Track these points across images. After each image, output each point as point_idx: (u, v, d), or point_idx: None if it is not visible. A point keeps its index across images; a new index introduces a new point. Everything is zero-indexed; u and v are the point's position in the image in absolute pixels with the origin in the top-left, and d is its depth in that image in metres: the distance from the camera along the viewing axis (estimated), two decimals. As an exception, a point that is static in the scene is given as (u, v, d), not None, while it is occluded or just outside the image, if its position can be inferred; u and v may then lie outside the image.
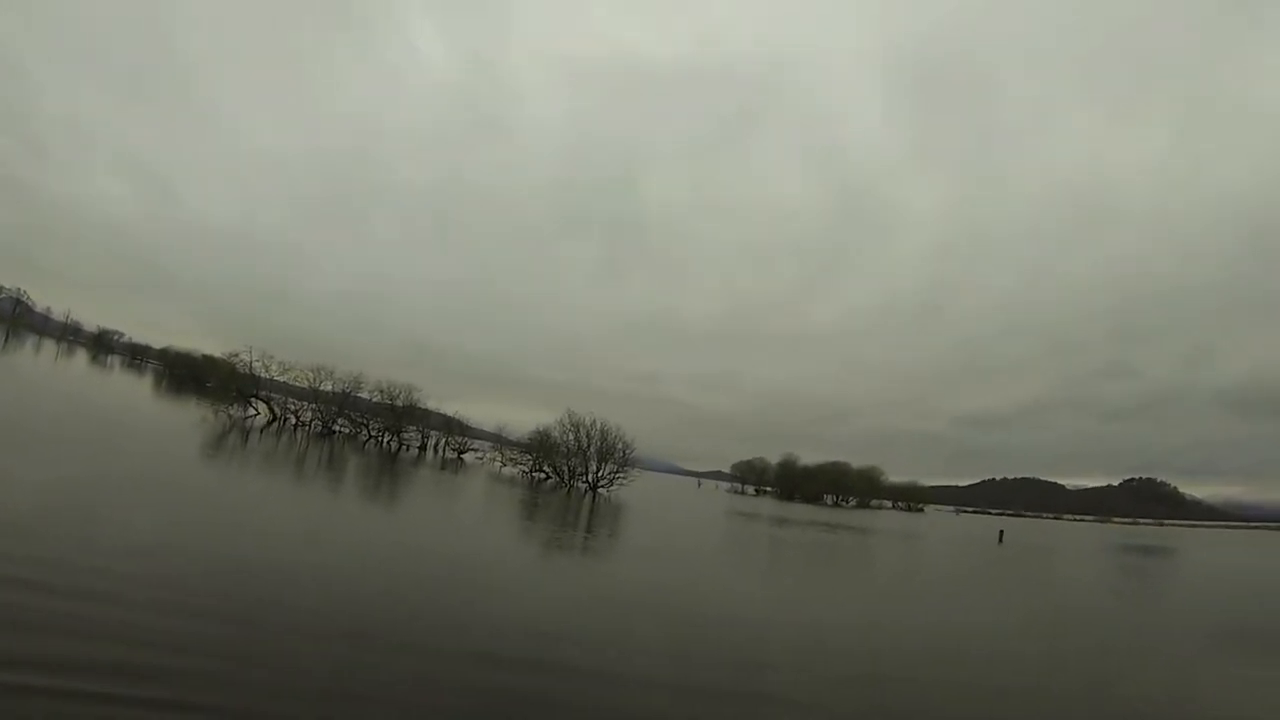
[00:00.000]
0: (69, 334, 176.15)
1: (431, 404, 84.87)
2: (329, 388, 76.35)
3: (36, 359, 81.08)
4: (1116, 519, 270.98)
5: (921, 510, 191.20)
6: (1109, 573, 46.75)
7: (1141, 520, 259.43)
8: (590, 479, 76.23)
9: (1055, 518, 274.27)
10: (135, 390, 73.87)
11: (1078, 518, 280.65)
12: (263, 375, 73.16)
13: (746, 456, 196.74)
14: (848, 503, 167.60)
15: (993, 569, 42.92)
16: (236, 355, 73.14)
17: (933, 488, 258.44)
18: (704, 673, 12.16)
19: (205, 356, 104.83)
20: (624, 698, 10.28)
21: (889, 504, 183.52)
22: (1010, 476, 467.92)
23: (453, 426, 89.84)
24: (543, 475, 79.28)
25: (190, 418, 50.95)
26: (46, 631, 8.61)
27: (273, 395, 76.16)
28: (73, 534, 13.43)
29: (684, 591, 20.88)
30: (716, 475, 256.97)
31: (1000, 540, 74.53)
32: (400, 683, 9.19)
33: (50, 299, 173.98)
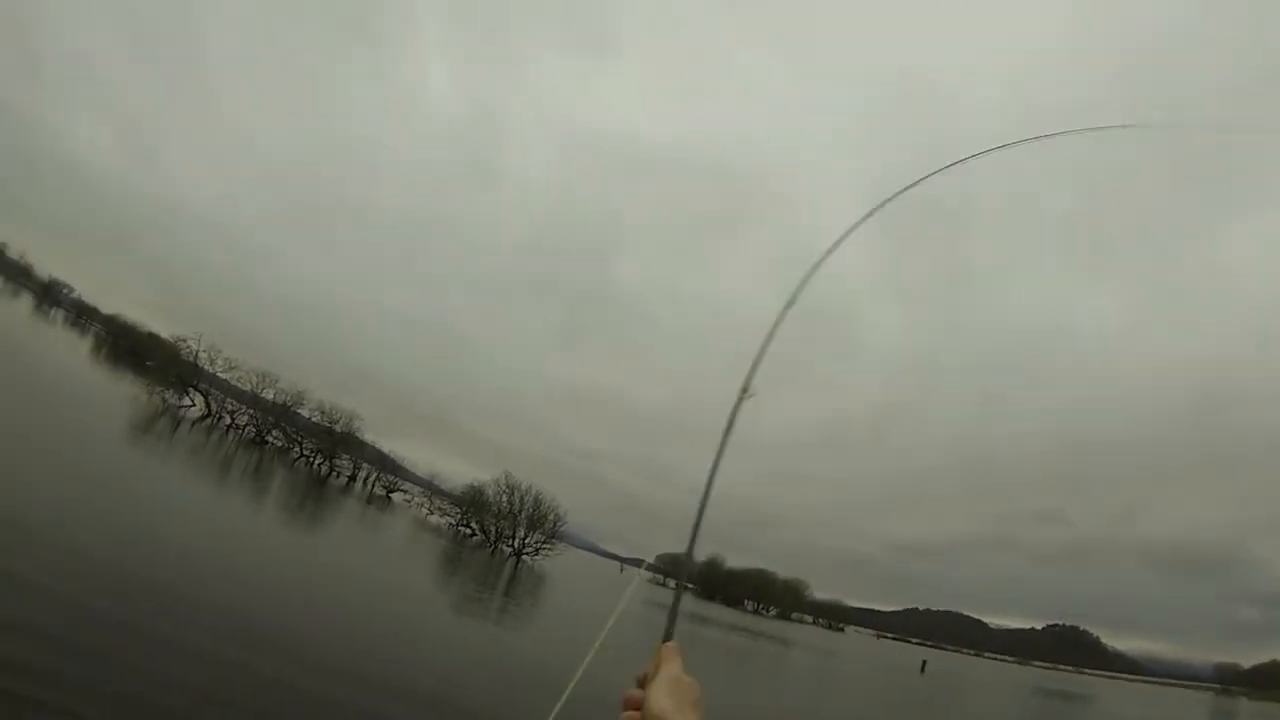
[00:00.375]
0: (18, 274, 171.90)
1: (369, 436, 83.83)
2: (270, 396, 75.20)
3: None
4: (1037, 662, 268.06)
5: (842, 630, 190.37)
6: (1026, 715, 46.61)
7: (1062, 666, 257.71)
8: (516, 544, 75.44)
9: (976, 654, 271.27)
10: (72, 352, 72.52)
11: (998, 657, 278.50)
12: (206, 367, 72.12)
13: (670, 549, 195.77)
14: (768, 612, 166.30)
15: (916, 698, 42.71)
16: (184, 340, 72.21)
17: (857, 609, 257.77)
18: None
19: (151, 334, 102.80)
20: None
21: (809, 619, 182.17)
22: (935, 608, 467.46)
23: (387, 464, 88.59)
24: (469, 532, 78.17)
25: (123, 393, 49.96)
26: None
27: (212, 390, 74.82)
28: None
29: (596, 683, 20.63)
30: (637, 562, 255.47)
31: (923, 670, 74.61)
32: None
33: (5, 234, 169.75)
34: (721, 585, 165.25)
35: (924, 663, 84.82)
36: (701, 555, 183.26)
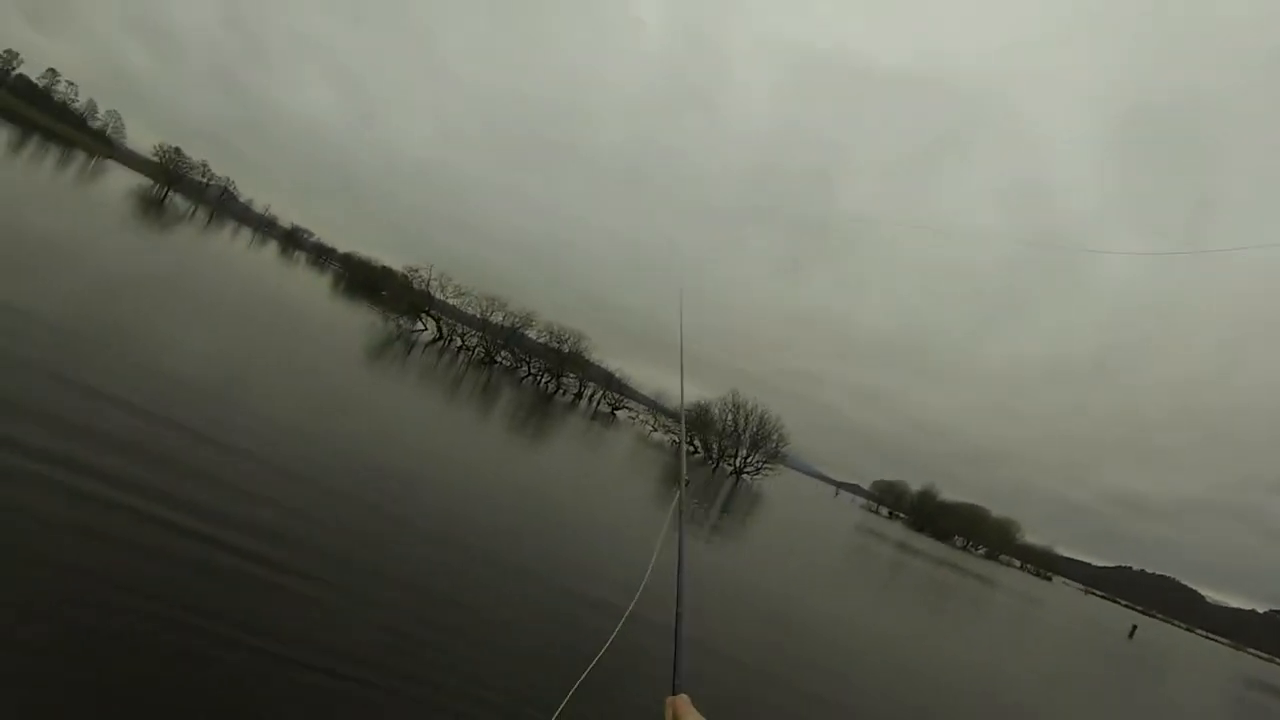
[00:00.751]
0: (265, 226, 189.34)
1: (595, 356, 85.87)
2: (498, 319, 78.34)
3: (233, 243, 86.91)
4: (1252, 650, 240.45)
5: (1049, 579, 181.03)
6: (1241, 711, 41.11)
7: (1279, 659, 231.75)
8: (738, 463, 75.83)
9: (1187, 628, 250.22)
10: (315, 287, 78.29)
11: (1211, 636, 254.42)
12: (437, 295, 75.90)
13: (886, 476, 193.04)
14: (977, 550, 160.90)
15: (1120, 666, 39.76)
16: (415, 270, 76.31)
17: (1066, 559, 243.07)
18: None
19: (384, 267, 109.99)
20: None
21: (1017, 563, 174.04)
22: (1149, 570, 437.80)
23: (612, 382, 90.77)
24: (691, 449, 79.24)
25: (361, 321, 53.34)
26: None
27: (442, 316, 78.78)
28: (232, 411, 14.18)
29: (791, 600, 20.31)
30: (854, 488, 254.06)
31: (1131, 636, 70.74)
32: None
33: (253, 191, 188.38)
34: (933, 516, 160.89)
35: (1133, 628, 79.47)
36: (915, 485, 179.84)
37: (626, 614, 3.01)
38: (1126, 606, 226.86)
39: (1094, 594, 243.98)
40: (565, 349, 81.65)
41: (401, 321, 69.17)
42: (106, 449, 8.94)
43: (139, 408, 11.09)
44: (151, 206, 77.03)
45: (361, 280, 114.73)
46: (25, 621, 5.29)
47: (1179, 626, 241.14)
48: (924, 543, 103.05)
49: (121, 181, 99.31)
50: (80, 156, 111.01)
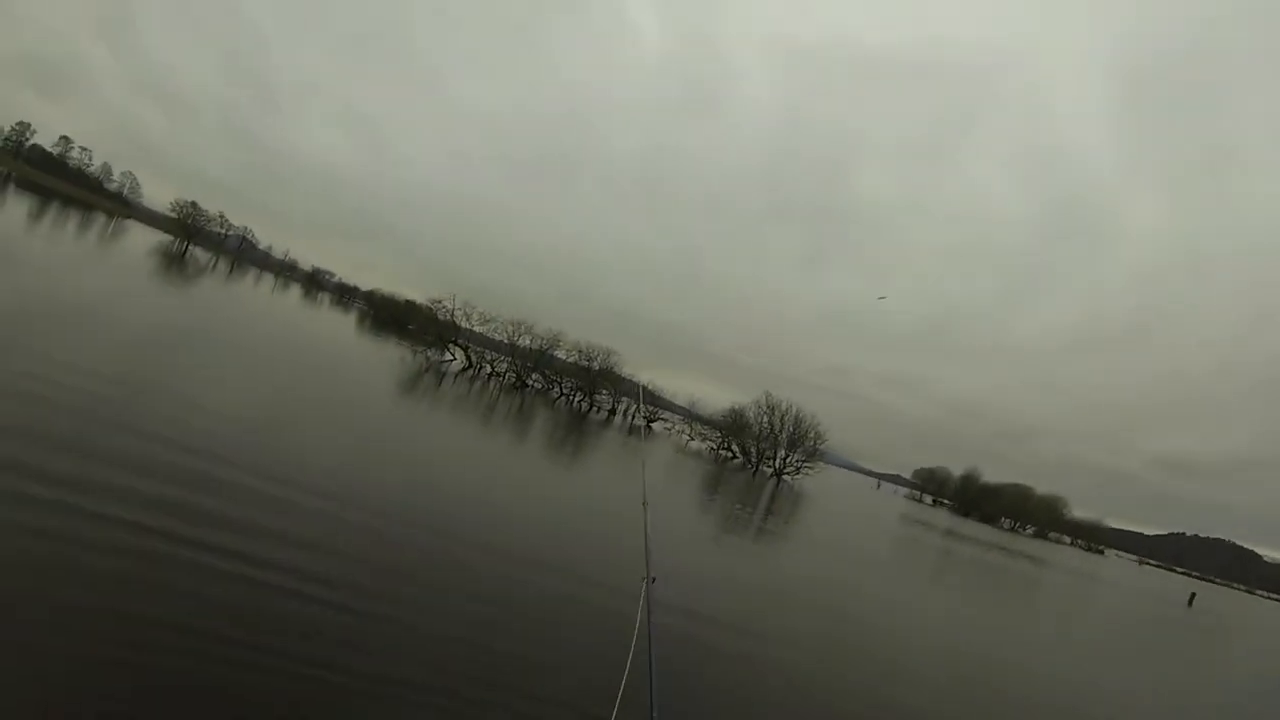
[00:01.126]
0: (286, 270, 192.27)
1: (626, 370, 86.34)
2: (526, 343, 79.20)
3: (257, 290, 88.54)
4: None
5: (1101, 553, 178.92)
6: None
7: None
8: (777, 464, 75.99)
9: (1248, 590, 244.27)
10: (341, 326, 79.43)
11: (1273, 595, 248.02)
12: (462, 324, 76.82)
13: (926, 463, 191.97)
14: (1025, 530, 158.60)
15: (1182, 634, 39.48)
16: (439, 302, 77.21)
17: (1116, 531, 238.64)
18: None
19: (408, 301, 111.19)
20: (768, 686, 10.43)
21: (1067, 540, 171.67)
22: (1203, 534, 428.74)
23: (645, 395, 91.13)
24: (729, 454, 79.68)
25: (390, 356, 54.18)
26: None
27: (470, 344, 79.63)
28: (278, 445, 14.96)
29: (847, 595, 20.76)
30: (895, 479, 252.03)
31: (1190, 603, 69.74)
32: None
33: (271, 237, 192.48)
34: (977, 500, 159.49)
35: (1192, 595, 78.37)
36: (957, 469, 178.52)
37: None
38: (1183, 574, 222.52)
39: (1149, 564, 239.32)
40: (595, 366, 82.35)
41: (430, 353, 70.15)
42: (168, 485, 9.54)
43: (193, 448, 11.78)
44: (174, 261, 78.77)
45: (387, 316, 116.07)
46: (97, 667, 5.74)
47: (1238, 589, 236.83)
48: (971, 527, 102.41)
49: (143, 239, 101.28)
50: (100, 218, 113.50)
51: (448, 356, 74.94)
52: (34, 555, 6.85)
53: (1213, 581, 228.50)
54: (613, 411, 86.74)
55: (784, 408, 78.09)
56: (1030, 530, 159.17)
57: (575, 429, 46.86)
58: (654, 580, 4.03)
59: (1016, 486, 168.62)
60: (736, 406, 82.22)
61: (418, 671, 6.95)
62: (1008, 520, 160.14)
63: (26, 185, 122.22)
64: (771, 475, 73.40)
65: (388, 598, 8.54)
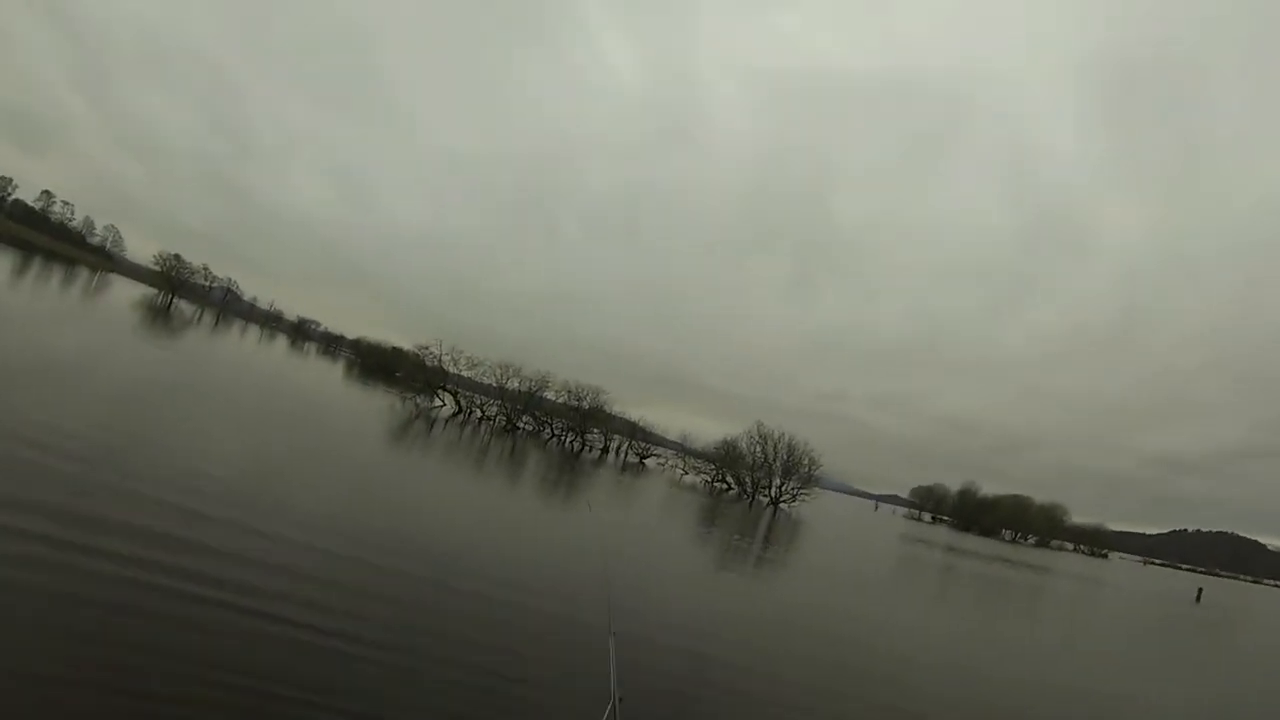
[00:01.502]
0: (271, 321, 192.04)
1: (616, 408, 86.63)
2: (515, 385, 79.47)
3: (243, 341, 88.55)
4: None
5: (1105, 556, 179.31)
6: None
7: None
8: (773, 493, 76.12)
9: (1254, 581, 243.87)
10: (329, 376, 79.48)
11: (1279, 584, 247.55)
12: (450, 369, 77.39)
13: (923, 482, 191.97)
14: (1026, 540, 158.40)
15: (1194, 632, 39.71)
16: (425, 348, 77.55)
17: (1118, 533, 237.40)
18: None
19: (394, 348, 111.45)
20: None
21: (1070, 546, 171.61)
22: (1205, 529, 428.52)
23: (637, 431, 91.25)
24: (724, 486, 79.79)
25: (378, 404, 54.25)
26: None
27: (459, 389, 79.82)
28: (274, 496, 15.31)
29: (852, 619, 20.89)
30: (892, 499, 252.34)
31: (1198, 599, 69.88)
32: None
33: (256, 288, 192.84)
34: (976, 515, 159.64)
35: (1200, 591, 78.62)
36: (955, 485, 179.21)
37: None
38: (1188, 570, 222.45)
39: (1153, 564, 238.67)
40: (585, 405, 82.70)
41: (419, 400, 70.15)
42: (170, 543, 9.67)
43: (185, 508, 11.82)
44: (159, 314, 78.73)
45: (374, 363, 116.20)
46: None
47: (1244, 580, 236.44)
48: (972, 542, 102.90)
49: (127, 293, 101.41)
50: (84, 273, 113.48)
51: (437, 402, 75.08)
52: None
53: (1218, 575, 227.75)
54: (605, 450, 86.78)
55: (776, 436, 78.46)
56: (1032, 540, 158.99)
57: (568, 469, 46.88)
58: (614, 635, 4.47)
59: (1015, 497, 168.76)
60: (729, 438, 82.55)
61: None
62: (1008, 532, 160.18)
63: (9, 240, 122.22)
64: (768, 504, 73.54)
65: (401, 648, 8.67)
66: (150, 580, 8.44)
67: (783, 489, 76.83)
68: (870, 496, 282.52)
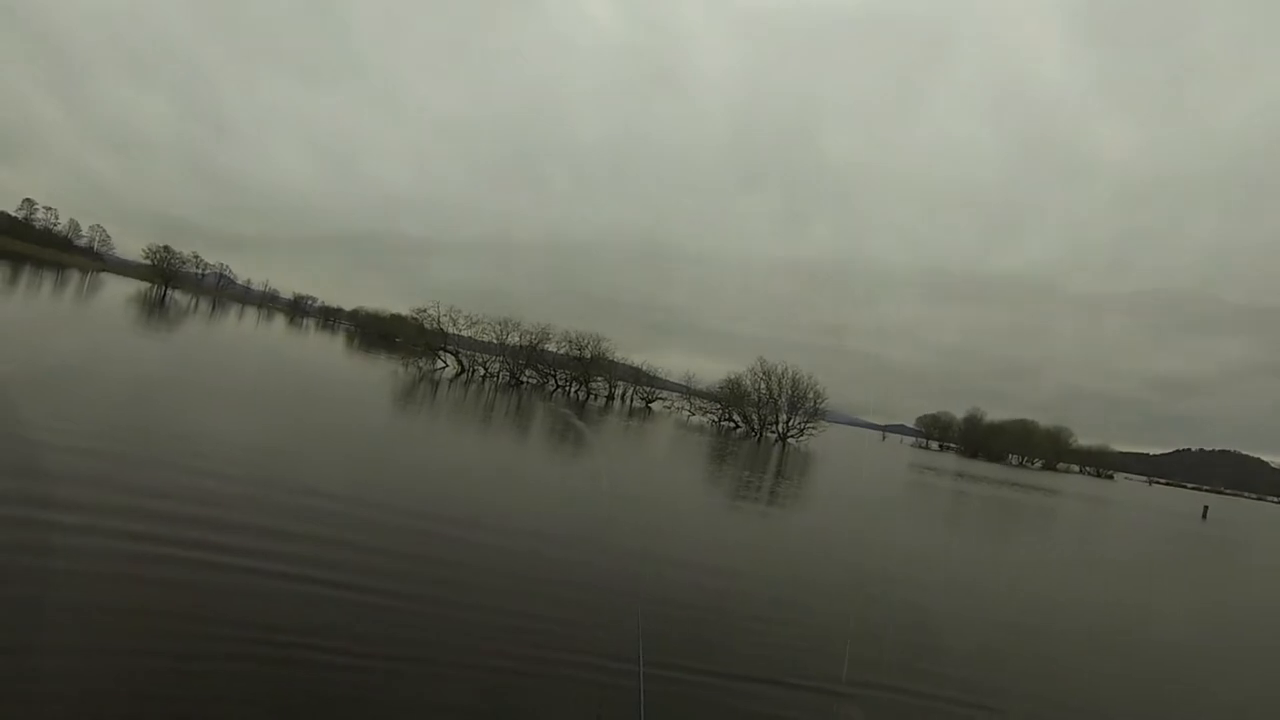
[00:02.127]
0: (268, 301, 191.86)
1: (618, 355, 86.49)
2: (516, 340, 79.44)
3: (242, 324, 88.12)
4: None
5: (1111, 478, 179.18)
6: None
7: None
8: (780, 429, 76.16)
9: (1258, 498, 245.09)
10: (330, 348, 79.09)
11: None
12: (450, 330, 77.27)
13: (929, 410, 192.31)
14: (1033, 464, 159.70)
15: (1202, 546, 40.24)
16: (424, 311, 77.14)
17: (1122, 454, 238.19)
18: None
19: (393, 315, 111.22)
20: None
21: (1076, 468, 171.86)
22: (1207, 448, 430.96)
23: (640, 376, 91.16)
24: (731, 424, 79.96)
25: (382, 371, 54.06)
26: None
27: (460, 349, 79.66)
28: (306, 460, 15.43)
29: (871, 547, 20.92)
30: (899, 429, 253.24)
31: (1205, 516, 70.38)
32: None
33: (250, 271, 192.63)
34: (983, 440, 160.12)
35: (1205, 508, 78.96)
36: (960, 413, 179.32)
37: None
38: (1193, 489, 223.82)
39: (1159, 483, 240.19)
40: (587, 354, 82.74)
41: (421, 363, 70.09)
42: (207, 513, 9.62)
43: (229, 476, 11.81)
44: (155, 307, 78.06)
45: (374, 331, 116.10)
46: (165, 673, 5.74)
47: (1249, 498, 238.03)
48: (980, 467, 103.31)
49: (120, 290, 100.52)
50: (75, 276, 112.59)
51: (439, 364, 74.93)
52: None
53: (1223, 493, 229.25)
54: (610, 397, 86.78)
55: (780, 371, 78.22)
56: (1038, 464, 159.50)
57: (574, 419, 46.86)
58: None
59: (1020, 422, 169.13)
60: (732, 376, 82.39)
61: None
62: (1014, 456, 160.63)
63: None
64: (776, 440, 73.48)
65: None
66: (204, 558, 8.36)
67: (790, 424, 76.93)
68: (876, 427, 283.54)
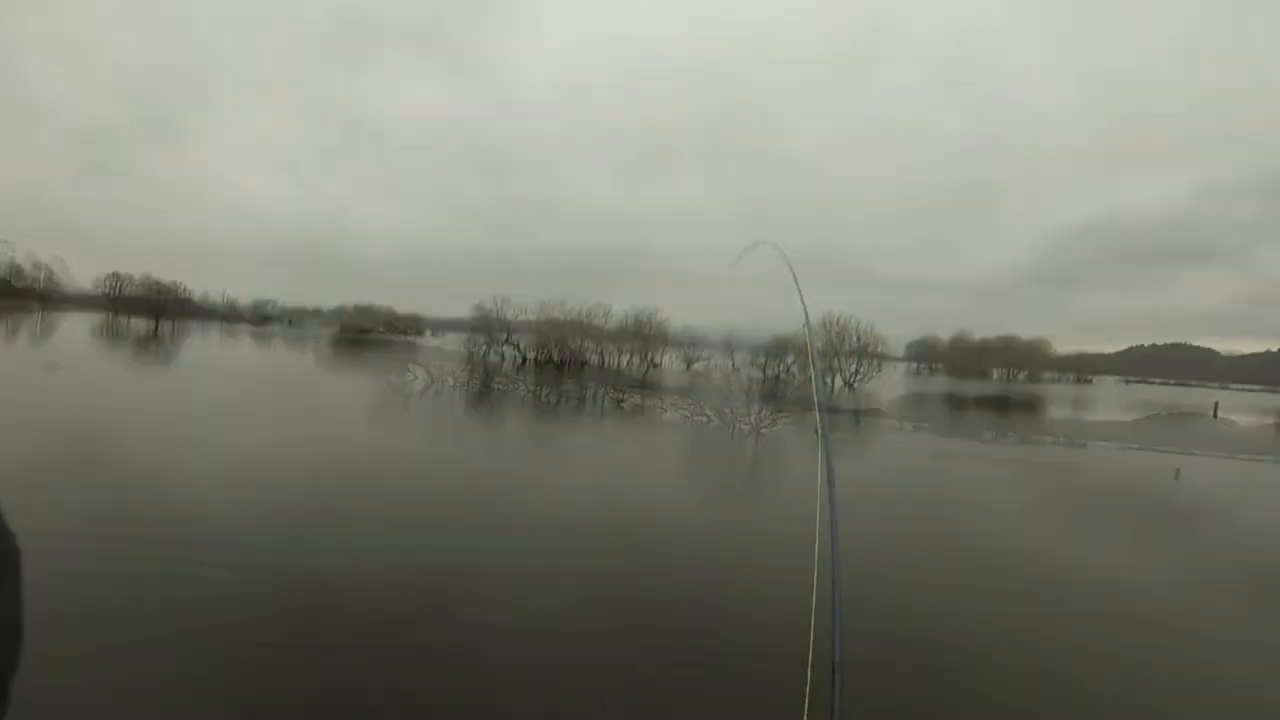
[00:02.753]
0: (228, 313, 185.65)
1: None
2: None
3: (204, 341, 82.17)
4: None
5: (1090, 382, 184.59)
6: None
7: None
8: (844, 376, 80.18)
9: (1221, 387, 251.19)
10: (299, 368, 73.26)
11: (1242, 386, 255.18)
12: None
13: (915, 336, 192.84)
14: (1018, 376, 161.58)
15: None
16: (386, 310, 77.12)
17: (1093, 355, 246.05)
18: None
19: (362, 328, 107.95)
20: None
21: (1058, 375, 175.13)
22: (1159, 342, 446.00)
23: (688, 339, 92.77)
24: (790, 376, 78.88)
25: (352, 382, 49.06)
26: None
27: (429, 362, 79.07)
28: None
29: None
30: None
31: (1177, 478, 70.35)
32: None
33: (206, 284, 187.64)
34: (972, 361, 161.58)
35: (1178, 471, 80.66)
36: (946, 335, 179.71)
37: None
38: (1161, 383, 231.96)
39: (1132, 382, 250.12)
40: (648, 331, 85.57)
41: (391, 378, 65.93)
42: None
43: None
44: (111, 339, 70.07)
45: (352, 330, 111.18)
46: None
47: (1209, 386, 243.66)
48: (970, 386, 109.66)
49: (72, 328, 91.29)
50: (22, 319, 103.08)
51: (409, 377, 71.18)
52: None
53: (1174, 384, 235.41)
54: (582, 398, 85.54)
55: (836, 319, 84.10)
56: (1023, 374, 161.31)
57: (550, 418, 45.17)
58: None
59: (1003, 338, 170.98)
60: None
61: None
62: (999, 371, 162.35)
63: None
64: (844, 386, 75.96)
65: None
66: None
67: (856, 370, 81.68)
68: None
